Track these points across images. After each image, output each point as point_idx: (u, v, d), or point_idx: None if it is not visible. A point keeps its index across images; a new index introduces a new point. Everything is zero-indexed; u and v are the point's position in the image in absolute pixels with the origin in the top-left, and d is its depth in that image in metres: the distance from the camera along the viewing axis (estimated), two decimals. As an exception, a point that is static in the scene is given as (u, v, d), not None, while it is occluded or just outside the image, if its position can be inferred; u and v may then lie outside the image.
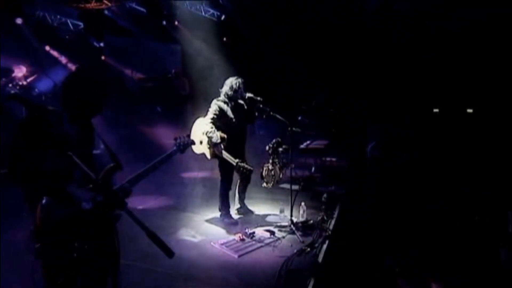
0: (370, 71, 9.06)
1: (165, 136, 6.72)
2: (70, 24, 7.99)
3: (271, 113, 4.38)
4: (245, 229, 4.22)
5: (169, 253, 1.54)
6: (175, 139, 2.61)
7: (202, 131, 4.40)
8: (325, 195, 4.94)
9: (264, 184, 4.97)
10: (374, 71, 9.06)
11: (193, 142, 2.73)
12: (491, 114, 8.24)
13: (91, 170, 1.70)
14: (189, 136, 2.73)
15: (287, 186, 5.70)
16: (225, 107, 4.47)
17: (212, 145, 4.33)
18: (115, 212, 1.82)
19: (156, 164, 2.39)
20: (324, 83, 9.02)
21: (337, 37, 9.10)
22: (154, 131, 7.43)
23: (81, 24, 7.91)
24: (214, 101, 4.51)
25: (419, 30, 8.64)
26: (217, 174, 4.71)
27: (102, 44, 8.00)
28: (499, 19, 7.51)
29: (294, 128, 4.35)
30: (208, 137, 4.31)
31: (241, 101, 4.60)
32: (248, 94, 4.49)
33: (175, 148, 2.64)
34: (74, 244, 1.79)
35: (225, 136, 4.39)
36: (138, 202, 5.17)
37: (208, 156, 4.48)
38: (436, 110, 9.39)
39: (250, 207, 4.99)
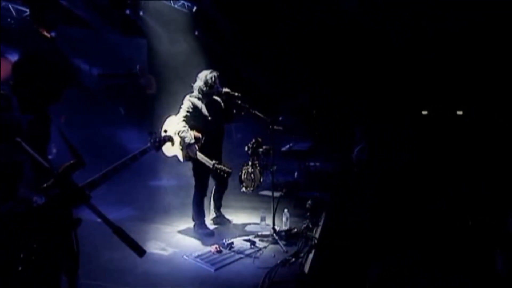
0: (356, 70, 9.29)
1: (129, 139, 6.62)
2: (12, 10, 7.71)
3: (251, 110, 4.40)
4: (222, 239, 4.20)
5: (140, 251, 1.51)
6: (150, 134, 2.59)
7: (173, 130, 4.36)
8: (309, 202, 5.01)
9: (243, 189, 4.98)
10: (361, 69, 9.30)
11: (170, 138, 2.71)
12: (483, 116, 8.63)
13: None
14: (165, 131, 2.71)
15: (268, 193, 5.76)
16: (199, 103, 4.46)
17: (185, 146, 4.30)
18: (75, 207, 1.74)
19: (127, 161, 2.36)
20: (308, 81, 9.16)
21: (322, 32, 9.30)
22: (116, 134, 7.28)
23: (27, 11, 7.63)
24: (187, 97, 4.49)
25: (408, 28, 8.97)
26: (190, 181, 4.68)
27: (53, 34, 7.76)
28: (494, 18, 7.92)
29: (275, 127, 4.39)
30: (181, 137, 4.28)
31: (216, 97, 4.60)
32: (225, 89, 4.50)
33: (149, 144, 2.61)
34: (21, 244, 1.70)
35: (200, 135, 4.37)
36: (105, 212, 5.04)
37: (181, 158, 4.44)
38: (425, 112, 9.75)
39: (227, 216, 4.97)
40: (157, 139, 2.67)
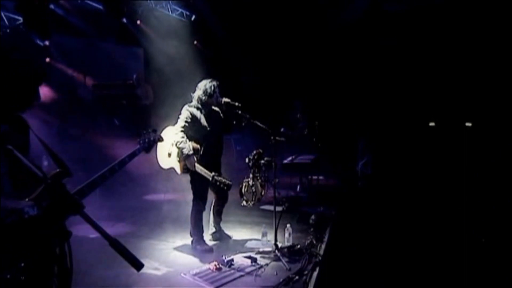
0: (360, 79, 9.34)
1: (124, 152, 6.60)
2: (4, 18, 7.78)
3: (251, 120, 4.40)
4: (222, 256, 4.14)
5: (137, 265, 1.49)
6: (139, 135, 2.55)
7: (171, 141, 4.35)
8: (313, 217, 4.99)
9: (244, 203, 4.94)
10: (365, 79, 9.35)
11: (160, 138, 2.68)
12: (494, 128, 8.62)
13: (23, 183, 1.61)
14: (155, 131, 2.67)
15: (269, 207, 5.72)
16: (198, 113, 4.47)
17: (183, 157, 4.28)
18: (69, 216, 1.71)
19: (115, 167, 2.31)
20: (310, 91, 9.21)
21: (325, 40, 9.39)
22: (110, 146, 7.28)
23: (20, 19, 7.71)
24: (186, 107, 4.50)
25: (412, 35, 9.05)
26: (187, 195, 4.65)
27: (47, 43, 7.83)
28: (503, 26, 8.01)
29: (277, 138, 4.38)
30: (179, 148, 4.27)
31: (216, 108, 4.61)
32: (225, 99, 4.51)
33: (138, 146, 2.57)
34: (12, 257, 1.65)
35: (198, 147, 4.36)
36: (90, 230, 4.98)
37: (178, 170, 4.42)
38: (432, 123, 9.75)
39: (227, 231, 4.93)
40: (146, 140, 2.62)
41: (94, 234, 4.84)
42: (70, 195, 1.54)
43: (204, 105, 4.51)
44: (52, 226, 1.66)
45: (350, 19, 9.21)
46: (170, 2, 9.22)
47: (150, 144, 2.70)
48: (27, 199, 1.71)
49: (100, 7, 8.48)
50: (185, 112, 4.46)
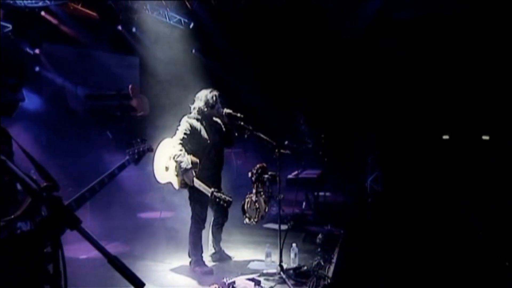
0: (368, 90, 9.37)
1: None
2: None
3: (254, 132, 4.41)
4: (223, 279, 4.09)
5: (138, 284, 1.46)
6: (128, 144, 2.55)
7: (168, 154, 4.35)
8: (320, 236, 4.96)
9: (246, 220, 4.91)
10: (373, 90, 9.38)
11: (150, 149, 2.68)
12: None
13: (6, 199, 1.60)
14: (144, 140, 2.67)
15: (273, 225, 5.69)
16: (198, 125, 4.48)
17: (181, 171, 4.27)
18: (65, 231, 1.69)
19: (104, 179, 2.32)
20: (314, 103, 9.24)
21: (331, 50, 9.45)
22: (103, 161, 7.28)
23: (9, 26, 7.83)
24: (185, 118, 4.51)
25: (423, 43, 9.12)
26: (185, 213, 4.63)
27: (37, 51, 7.92)
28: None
29: (282, 150, 4.38)
30: (176, 162, 4.27)
31: (217, 119, 4.63)
32: (227, 110, 4.52)
33: (127, 157, 2.57)
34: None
35: (198, 160, 4.36)
36: (81, 250, 4.96)
37: (176, 185, 4.41)
38: (446, 136, 9.73)
39: (228, 252, 4.89)
40: (135, 150, 2.62)
41: (84, 255, 4.88)
42: (67, 209, 1.54)
43: (205, 117, 4.52)
44: (46, 241, 1.65)
45: (358, 27, 9.31)
46: (168, 9, 9.33)
47: (140, 154, 2.69)
48: (18, 213, 1.70)
49: (94, 14, 8.60)
50: (184, 124, 4.47)
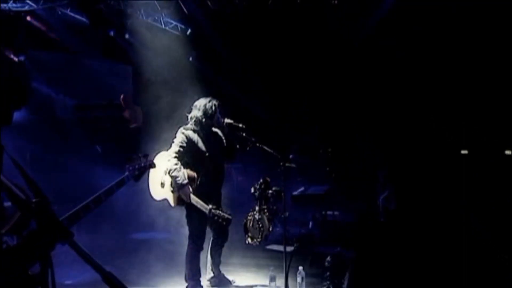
0: (379, 100, 9.38)
1: (108, 183, 6.60)
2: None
3: (257, 144, 4.40)
4: (222, 305, 4.06)
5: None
6: (127, 160, 2.56)
7: (164, 169, 4.34)
8: (328, 259, 4.90)
9: (249, 240, 4.89)
10: (385, 99, 9.39)
11: (153, 165, 2.68)
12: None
13: None
14: (146, 156, 2.68)
15: (277, 247, 5.65)
16: (195, 137, 4.47)
17: (177, 187, 4.26)
18: (55, 246, 1.67)
19: (101, 196, 2.32)
20: (322, 114, 9.26)
21: (339, 56, 9.49)
22: (92, 177, 7.27)
23: None
24: (181, 130, 4.51)
25: (438, 52, 9.15)
26: (182, 233, 4.60)
27: (22, 58, 7.96)
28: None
29: (287, 164, 4.37)
30: (172, 177, 4.26)
31: (216, 130, 4.63)
32: (227, 120, 4.53)
33: (127, 173, 2.57)
34: None
35: (195, 175, 4.34)
36: (67, 275, 4.94)
37: (172, 202, 4.40)
38: (464, 151, 9.68)
39: (228, 276, 4.85)
40: (136, 166, 2.62)
41: (70, 280, 4.83)
42: (58, 221, 1.52)
43: (203, 127, 4.52)
44: (34, 257, 1.62)
45: (368, 30, 9.34)
46: (163, 14, 9.40)
47: (141, 170, 2.70)
48: (5, 227, 1.68)
49: (84, 19, 8.66)
50: (180, 136, 4.46)
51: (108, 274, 1.45)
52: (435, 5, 8.37)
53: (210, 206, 4.20)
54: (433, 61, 9.19)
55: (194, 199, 4.25)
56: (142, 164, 2.69)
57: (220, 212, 4.17)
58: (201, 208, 4.21)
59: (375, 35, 9.30)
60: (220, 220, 4.11)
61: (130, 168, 2.66)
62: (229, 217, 4.16)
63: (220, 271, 4.79)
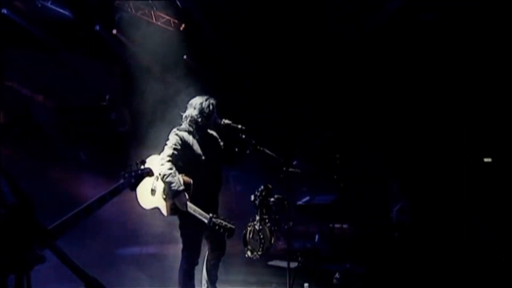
0: (379, 101, 9.41)
1: (93, 193, 6.58)
2: None
3: (258, 147, 4.39)
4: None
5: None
6: (125, 167, 2.57)
7: (155, 174, 4.31)
8: (337, 275, 4.92)
9: (248, 253, 4.87)
10: (398, 103, 9.42)
11: (150, 172, 2.68)
12: None
13: None
14: (143, 162, 2.68)
15: (280, 262, 5.63)
16: (190, 139, 4.46)
17: (171, 194, 4.23)
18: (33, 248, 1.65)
19: (93, 205, 2.34)
20: (329, 118, 9.29)
21: (348, 55, 9.53)
22: (75, 186, 7.27)
23: None
24: (174, 131, 4.50)
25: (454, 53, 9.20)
26: (174, 247, 4.57)
27: None
28: None
29: (291, 169, 4.36)
30: (166, 183, 4.23)
31: (213, 131, 4.62)
32: (225, 121, 4.53)
33: (122, 180, 2.58)
34: None
35: (191, 181, 4.32)
36: None
37: (164, 211, 4.37)
38: (488, 159, 9.68)
39: (226, 294, 4.82)
40: (132, 173, 2.63)
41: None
42: (37, 221, 1.50)
43: (198, 128, 4.51)
44: (8, 256, 1.60)
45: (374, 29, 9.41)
46: (154, 7, 9.43)
47: (137, 178, 2.72)
48: None
49: (67, 12, 8.68)
50: (174, 137, 4.44)
51: (93, 280, 1.43)
52: (435, 5, 8.50)
53: (211, 214, 4.17)
54: (433, 61, 9.26)
55: (191, 207, 4.21)
56: (139, 172, 2.72)
57: (222, 221, 4.13)
58: (200, 217, 4.17)
59: (375, 35, 9.39)
60: (221, 230, 4.08)
61: (126, 175, 2.68)
62: (232, 226, 4.12)
63: (217, 288, 4.76)
